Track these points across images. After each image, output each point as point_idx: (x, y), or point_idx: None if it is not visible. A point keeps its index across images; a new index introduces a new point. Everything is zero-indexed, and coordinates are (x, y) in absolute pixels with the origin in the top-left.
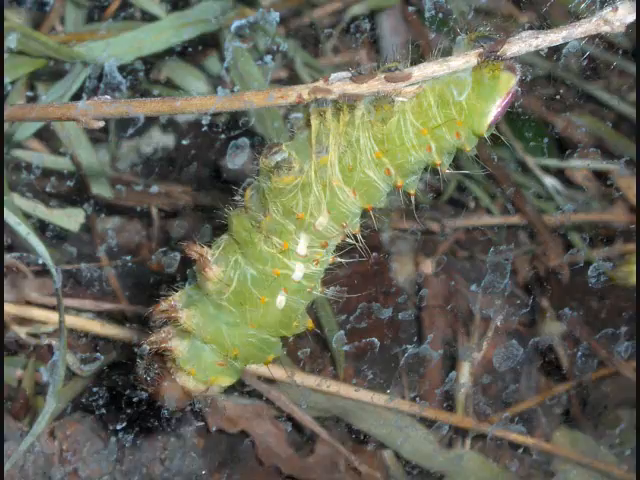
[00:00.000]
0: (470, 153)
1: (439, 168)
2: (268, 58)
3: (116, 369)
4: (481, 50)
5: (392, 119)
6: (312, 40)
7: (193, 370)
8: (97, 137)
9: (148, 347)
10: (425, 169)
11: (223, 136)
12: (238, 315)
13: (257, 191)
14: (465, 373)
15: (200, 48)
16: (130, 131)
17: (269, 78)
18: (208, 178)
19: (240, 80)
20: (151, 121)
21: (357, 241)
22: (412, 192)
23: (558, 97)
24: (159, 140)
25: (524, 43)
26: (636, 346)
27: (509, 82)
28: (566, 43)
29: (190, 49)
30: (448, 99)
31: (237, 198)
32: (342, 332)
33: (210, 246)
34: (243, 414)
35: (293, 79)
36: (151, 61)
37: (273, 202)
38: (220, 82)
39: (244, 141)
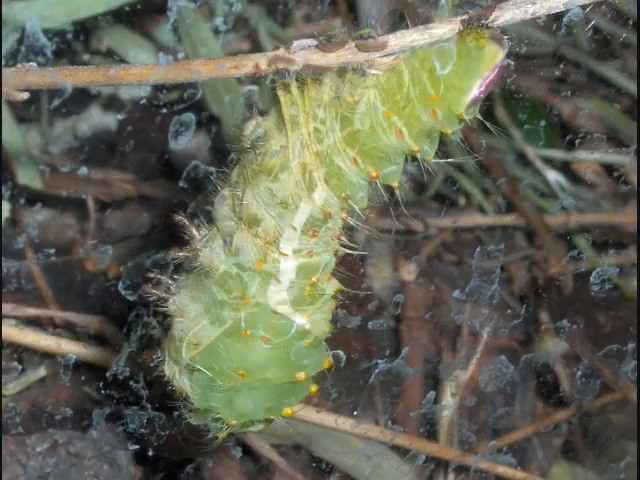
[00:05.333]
0: (453, 137)
1: (419, 157)
2: (219, 21)
3: (38, 382)
4: (466, 16)
5: (362, 97)
6: (279, 6)
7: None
8: (25, 116)
9: None
10: (406, 159)
11: (165, 111)
12: None
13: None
14: (447, 394)
15: (148, 13)
16: (65, 107)
17: (225, 47)
18: (151, 162)
19: (192, 48)
20: (89, 97)
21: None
22: (395, 185)
23: (562, 78)
24: (99, 120)
25: (518, 9)
26: (637, 352)
27: (495, 56)
28: (568, 10)
29: (136, 14)
30: (423, 74)
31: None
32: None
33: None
34: (187, 439)
35: (256, 52)
36: (88, 27)
37: (255, 185)
38: (172, 54)
39: (189, 117)
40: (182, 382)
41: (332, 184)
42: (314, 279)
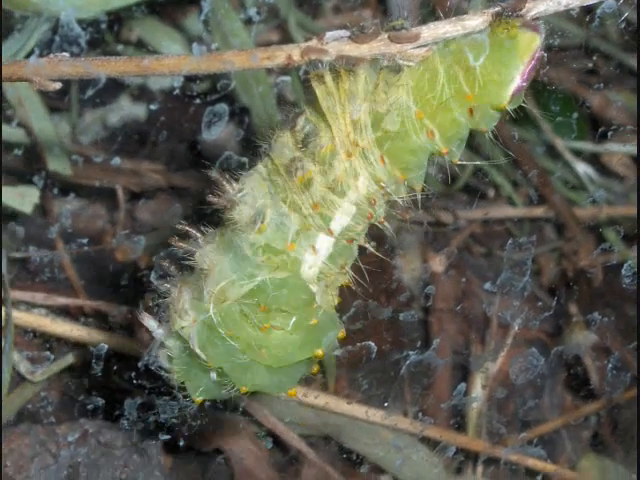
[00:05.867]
0: (487, 134)
1: (445, 158)
2: (252, 11)
3: (69, 372)
4: (498, 8)
5: (395, 95)
6: None
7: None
8: (56, 105)
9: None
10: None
11: (198, 102)
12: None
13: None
14: (477, 386)
15: (179, 4)
16: (95, 97)
17: (255, 38)
18: (182, 153)
19: (222, 39)
20: (119, 88)
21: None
22: (417, 188)
23: (593, 70)
24: (128, 110)
25: (552, 1)
26: (637, 350)
27: (532, 43)
28: (601, 2)
29: (167, 5)
30: (459, 73)
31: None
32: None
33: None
34: (217, 429)
35: (286, 43)
36: (121, 18)
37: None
38: (199, 45)
39: (222, 108)
40: (192, 334)
41: (370, 174)
42: (342, 263)
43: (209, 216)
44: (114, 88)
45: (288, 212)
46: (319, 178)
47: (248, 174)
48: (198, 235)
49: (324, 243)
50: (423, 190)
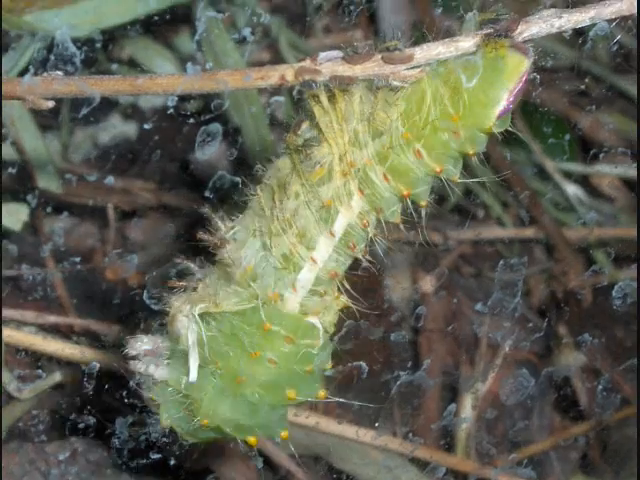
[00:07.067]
0: (474, 157)
1: (442, 177)
2: (247, 31)
3: (60, 390)
4: (491, 29)
5: (394, 111)
6: (300, 17)
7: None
8: (47, 123)
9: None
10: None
11: (192, 121)
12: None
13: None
14: (467, 406)
15: (170, 23)
16: (86, 115)
17: (246, 57)
18: (173, 172)
19: (214, 59)
20: (110, 106)
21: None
22: (423, 204)
23: (584, 92)
24: (119, 128)
25: (545, 23)
26: (637, 356)
27: (520, 65)
28: (593, 25)
29: (159, 23)
30: (446, 93)
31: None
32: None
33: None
34: (207, 449)
35: (277, 62)
36: (112, 36)
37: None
38: (192, 64)
39: (216, 127)
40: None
41: (367, 195)
42: (322, 290)
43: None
44: (105, 107)
45: (271, 246)
46: (306, 204)
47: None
48: (197, 269)
49: (306, 275)
50: (427, 206)
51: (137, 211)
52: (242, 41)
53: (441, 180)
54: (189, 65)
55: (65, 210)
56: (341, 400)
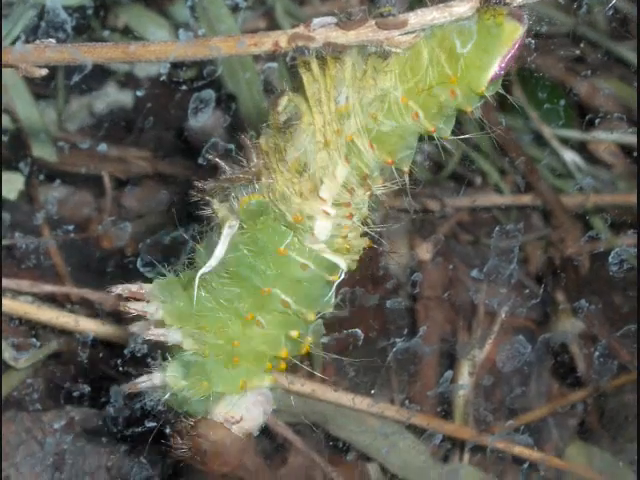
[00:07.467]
0: (473, 115)
1: (435, 136)
2: None
3: (55, 359)
4: None
5: (382, 79)
6: None
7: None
8: (42, 92)
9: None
10: (422, 138)
11: (185, 88)
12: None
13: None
14: (464, 373)
15: None
16: (81, 83)
17: (242, 25)
18: (169, 140)
19: (208, 25)
20: (106, 75)
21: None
22: (405, 170)
23: (581, 58)
24: (115, 97)
25: None
26: (637, 338)
27: (514, 33)
28: None
29: None
30: (442, 55)
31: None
32: (319, 320)
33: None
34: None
35: (272, 30)
36: (104, 3)
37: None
38: (186, 31)
39: (209, 93)
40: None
41: (353, 163)
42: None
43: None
44: (100, 75)
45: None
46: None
47: None
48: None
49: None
50: (411, 174)
51: (132, 179)
52: (236, 8)
53: (435, 144)
54: (181, 32)
55: (60, 179)
56: (336, 356)
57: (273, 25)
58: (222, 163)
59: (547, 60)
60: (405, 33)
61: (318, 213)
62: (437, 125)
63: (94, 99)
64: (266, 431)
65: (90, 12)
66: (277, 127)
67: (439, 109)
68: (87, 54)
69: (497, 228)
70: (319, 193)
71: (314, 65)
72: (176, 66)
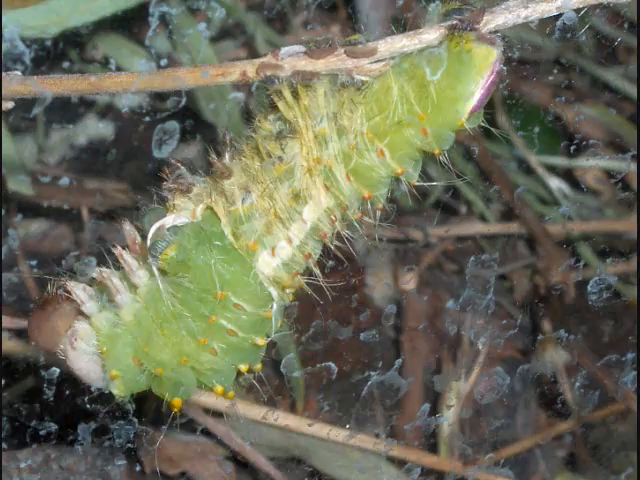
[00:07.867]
0: (441, 157)
1: (402, 179)
2: (202, 27)
3: (20, 397)
4: (455, 21)
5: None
6: (278, 13)
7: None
8: (21, 126)
9: None
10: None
11: (148, 119)
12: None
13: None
14: (447, 405)
15: (141, 21)
16: (60, 117)
17: (202, 51)
18: (147, 172)
19: (190, 57)
20: (87, 106)
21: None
22: (379, 207)
23: (566, 83)
24: (94, 130)
25: (511, 14)
26: (636, 357)
27: (489, 57)
28: (560, 15)
29: (129, 21)
30: (410, 92)
31: None
32: (291, 356)
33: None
34: (185, 453)
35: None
36: (79, 35)
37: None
38: (169, 60)
39: (173, 125)
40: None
41: (332, 191)
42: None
43: None
44: (81, 107)
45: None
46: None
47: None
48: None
49: (283, 250)
50: (383, 209)
51: (112, 213)
52: (218, 38)
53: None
54: (143, 62)
55: (38, 213)
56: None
57: (254, 54)
58: (182, 167)
59: (529, 86)
60: (375, 61)
61: (284, 238)
62: (405, 168)
63: (74, 132)
64: (247, 466)
65: (49, 43)
66: (266, 136)
67: (409, 149)
68: (51, 86)
69: (472, 258)
70: (302, 215)
71: (287, 93)
72: (159, 97)
